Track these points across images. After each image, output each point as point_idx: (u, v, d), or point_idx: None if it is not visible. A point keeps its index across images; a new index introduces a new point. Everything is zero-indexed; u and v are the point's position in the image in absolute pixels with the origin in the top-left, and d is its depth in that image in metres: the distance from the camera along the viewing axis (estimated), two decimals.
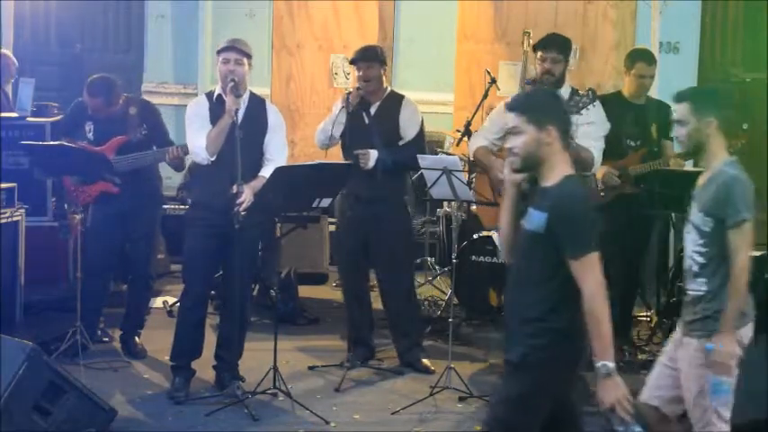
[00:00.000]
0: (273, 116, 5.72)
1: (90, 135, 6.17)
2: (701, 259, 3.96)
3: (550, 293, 3.55)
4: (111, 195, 6.08)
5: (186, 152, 5.96)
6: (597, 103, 5.66)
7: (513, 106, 3.64)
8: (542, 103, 3.66)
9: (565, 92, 5.77)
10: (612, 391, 3.46)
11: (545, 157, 3.57)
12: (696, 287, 3.99)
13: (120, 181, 6.02)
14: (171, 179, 7.51)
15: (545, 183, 3.59)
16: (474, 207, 7.11)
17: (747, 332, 3.98)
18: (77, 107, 6.32)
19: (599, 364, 3.47)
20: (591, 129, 5.58)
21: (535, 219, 3.55)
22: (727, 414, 3.94)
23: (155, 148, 6.17)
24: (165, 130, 6.37)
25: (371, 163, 5.92)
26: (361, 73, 6.00)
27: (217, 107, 5.55)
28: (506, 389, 3.70)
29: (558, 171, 3.57)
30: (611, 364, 3.46)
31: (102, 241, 6.15)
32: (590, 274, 3.47)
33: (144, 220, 6.30)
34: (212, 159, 5.51)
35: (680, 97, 4.05)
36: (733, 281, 3.85)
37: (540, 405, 3.61)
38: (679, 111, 4.00)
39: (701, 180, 4.04)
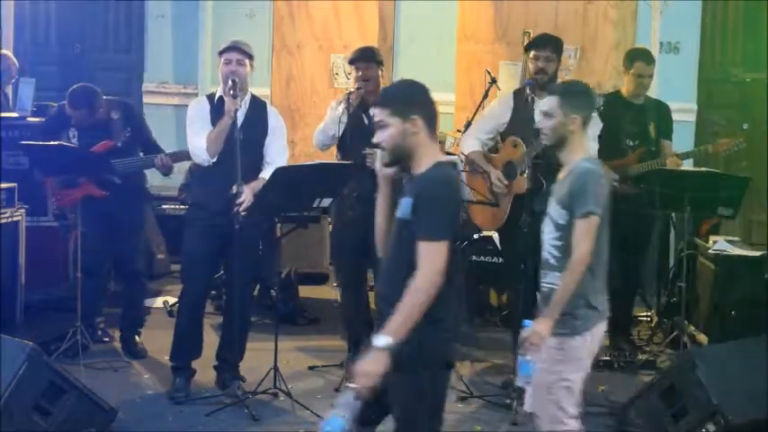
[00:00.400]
0: (274, 119, 5.72)
1: (74, 141, 6.16)
2: (556, 252, 3.93)
3: None
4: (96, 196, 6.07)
5: (175, 160, 5.98)
6: None
7: (376, 101, 3.61)
8: (404, 94, 3.59)
9: None
10: (371, 364, 3.32)
11: (413, 148, 3.52)
12: (552, 281, 3.94)
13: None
14: (171, 179, 7.50)
15: (415, 172, 3.55)
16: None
17: (602, 328, 3.95)
18: (60, 112, 6.28)
19: (379, 335, 3.35)
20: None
21: (404, 206, 3.50)
22: (573, 410, 3.88)
23: (141, 152, 6.21)
24: (148, 130, 6.40)
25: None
26: (360, 73, 6.01)
27: (218, 108, 5.54)
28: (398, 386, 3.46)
29: (427, 159, 3.53)
30: (391, 342, 3.32)
31: (93, 242, 6.14)
32: (430, 261, 3.36)
33: (130, 216, 6.31)
34: (213, 160, 5.52)
35: (550, 90, 4.11)
36: (567, 270, 3.83)
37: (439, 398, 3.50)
38: (547, 103, 4.03)
39: (560, 175, 4.06)
